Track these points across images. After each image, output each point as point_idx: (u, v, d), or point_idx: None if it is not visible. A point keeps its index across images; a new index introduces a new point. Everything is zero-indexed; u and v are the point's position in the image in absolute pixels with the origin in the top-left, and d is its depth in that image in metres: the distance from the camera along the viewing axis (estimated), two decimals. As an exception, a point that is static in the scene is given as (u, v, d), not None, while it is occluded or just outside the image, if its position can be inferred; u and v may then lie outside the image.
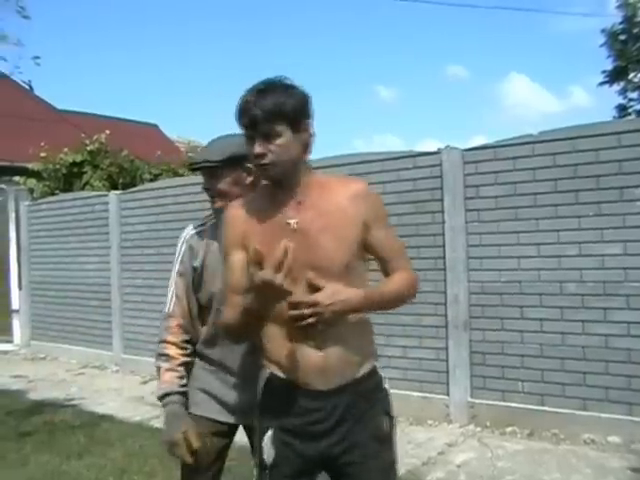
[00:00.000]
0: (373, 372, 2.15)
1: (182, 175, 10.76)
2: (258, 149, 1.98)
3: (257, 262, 1.82)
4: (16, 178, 11.80)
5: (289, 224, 2.02)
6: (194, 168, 2.55)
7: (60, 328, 9.76)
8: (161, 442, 2.61)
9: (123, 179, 11.41)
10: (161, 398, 2.53)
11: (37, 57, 6.62)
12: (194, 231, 2.61)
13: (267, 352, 2.12)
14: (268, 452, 2.10)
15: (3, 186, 11.73)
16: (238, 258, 2.09)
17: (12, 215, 10.51)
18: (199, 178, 2.62)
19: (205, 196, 2.55)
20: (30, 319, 10.39)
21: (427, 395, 5.88)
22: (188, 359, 2.60)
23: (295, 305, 1.91)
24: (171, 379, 2.54)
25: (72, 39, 64.58)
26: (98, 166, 11.25)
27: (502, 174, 5.55)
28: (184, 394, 2.55)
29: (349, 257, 2.03)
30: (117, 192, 9.13)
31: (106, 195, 9.10)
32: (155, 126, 28.08)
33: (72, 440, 5.57)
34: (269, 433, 2.10)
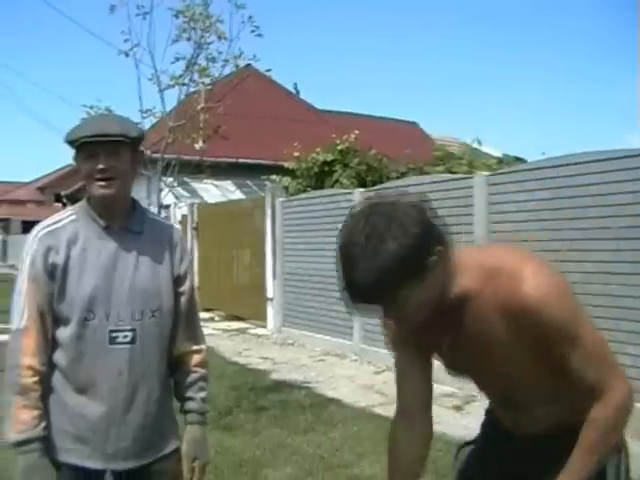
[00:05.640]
0: None
1: (428, 173, 10.95)
2: None
3: None
4: (273, 176, 12.84)
5: None
6: (85, 142, 2.06)
7: (308, 317, 10.43)
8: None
9: (372, 177, 11.91)
10: (18, 444, 2.02)
11: (269, 70, 7.75)
12: (48, 229, 2.15)
13: None
14: None
15: (267, 183, 12.81)
16: None
17: (268, 210, 11.39)
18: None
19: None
20: (282, 307, 11.22)
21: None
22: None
23: None
24: (30, 419, 2.03)
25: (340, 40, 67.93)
26: (347, 165, 11.86)
27: None
28: (46, 439, 2.06)
29: None
30: (361, 190, 9.54)
31: (350, 193, 9.55)
32: (415, 124, 28.69)
33: (300, 418, 6.03)
34: None
